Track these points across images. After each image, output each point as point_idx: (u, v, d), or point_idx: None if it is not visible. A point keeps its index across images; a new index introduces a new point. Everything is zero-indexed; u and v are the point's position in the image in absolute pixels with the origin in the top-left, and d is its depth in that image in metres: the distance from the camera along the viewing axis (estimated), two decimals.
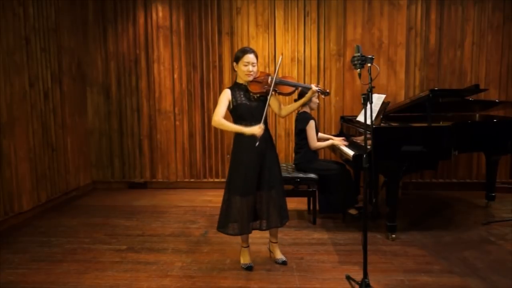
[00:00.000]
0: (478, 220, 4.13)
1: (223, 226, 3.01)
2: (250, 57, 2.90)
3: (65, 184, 5.05)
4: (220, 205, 4.77)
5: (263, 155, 2.95)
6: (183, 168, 5.63)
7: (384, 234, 3.70)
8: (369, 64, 2.61)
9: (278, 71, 2.97)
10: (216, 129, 5.51)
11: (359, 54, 2.61)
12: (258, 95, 2.95)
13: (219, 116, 2.88)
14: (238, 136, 2.95)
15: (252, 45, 5.32)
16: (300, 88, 3.37)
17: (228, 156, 5.53)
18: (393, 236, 3.61)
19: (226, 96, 2.93)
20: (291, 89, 3.01)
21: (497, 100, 4.43)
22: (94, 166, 5.69)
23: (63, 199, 5.00)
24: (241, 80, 2.98)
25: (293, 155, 4.40)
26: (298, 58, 5.36)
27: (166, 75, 5.51)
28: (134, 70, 5.53)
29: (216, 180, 5.60)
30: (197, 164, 5.62)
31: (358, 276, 2.74)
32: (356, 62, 2.62)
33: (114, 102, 5.59)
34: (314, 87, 3.03)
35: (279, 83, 2.98)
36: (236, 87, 2.99)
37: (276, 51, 5.33)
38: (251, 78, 2.93)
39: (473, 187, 5.25)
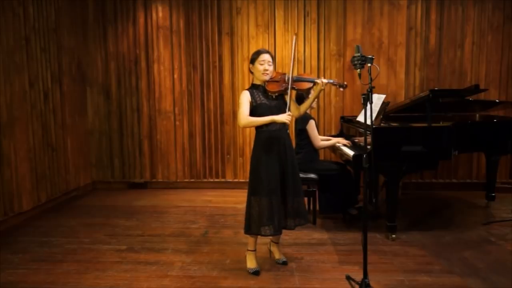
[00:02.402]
0: (478, 220, 4.13)
1: (249, 228, 2.97)
2: (265, 56, 2.94)
3: (65, 184, 5.05)
4: (220, 205, 4.78)
5: (284, 156, 2.95)
6: (183, 168, 5.63)
7: (384, 234, 3.70)
8: (369, 64, 2.61)
9: (293, 60, 2.96)
10: (216, 129, 5.52)
11: (359, 54, 2.61)
12: (276, 94, 2.97)
13: (245, 115, 2.90)
14: (258, 138, 2.97)
15: (252, 45, 5.33)
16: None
17: (228, 156, 5.57)
18: (393, 236, 3.61)
19: (246, 97, 2.94)
20: (308, 85, 3.00)
21: (497, 100, 4.44)
22: (94, 166, 5.69)
23: (63, 199, 5.00)
24: (258, 81, 3.00)
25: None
26: (298, 58, 5.35)
27: (166, 75, 5.51)
28: (134, 70, 5.53)
29: (216, 180, 5.60)
30: (197, 164, 5.62)
31: (358, 276, 2.74)
32: (356, 62, 2.62)
33: (114, 102, 5.59)
34: (323, 80, 2.94)
35: (296, 80, 2.99)
36: (254, 89, 3.00)
37: (276, 51, 5.33)
38: (267, 77, 2.95)
39: (473, 187, 5.25)
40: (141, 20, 5.45)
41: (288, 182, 2.96)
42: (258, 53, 2.97)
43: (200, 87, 5.50)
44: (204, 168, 5.62)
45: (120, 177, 5.70)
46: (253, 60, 2.98)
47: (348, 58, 4.91)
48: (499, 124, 4.03)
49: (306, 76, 3.06)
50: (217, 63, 5.45)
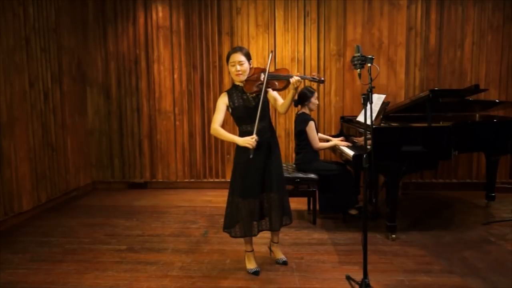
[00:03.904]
0: (478, 220, 4.13)
1: (227, 227, 2.98)
2: (235, 57, 2.83)
3: (65, 184, 5.05)
4: (220, 205, 4.78)
5: (267, 154, 2.90)
6: (183, 168, 5.63)
7: (384, 234, 3.70)
8: (369, 64, 2.61)
9: (268, 68, 2.81)
10: None
11: (359, 54, 2.61)
12: (254, 94, 2.88)
13: (217, 124, 2.88)
14: (240, 136, 2.92)
15: (252, 45, 5.34)
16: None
17: (228, 156, 5.57)
18: (393, 236, 3.61)
19: (223, 101, 2.90)
20: (284, 83, 2.80)
21: (497, 100, 4.43)
22: (94, 166, 5.69)
23: (63, 199, 5.00)
24: (236, 81, 2.94)
25: (293, 155, 4.40)
26: (298, 58, 5.36)
27: (166, 75, 5.51)
28: (134, 70, 5.53)
29: (216, 180, 5.60)
30: (197, 164, 5.62)
31: (358, 276, 2.74)
32: (356, 62, 2.62)
33: (114, 102, 5.59)
34: (294, 77, 2.74)
35: (271, 78, 2.81)
36: (234, 89, 2.94)
37: (276, 51, 5.33)
38: (241, 78, 2.85)
39: (473, 187, 5.25)
40: (141, 20, 5.45)
41: (272, 181, 2.91)
42: (228, 54, 2.88)
43: (200, 87, 5.51)
44: (204, 168, 5.62)
45: (120, 177, 5.70)
46: (226, 60, 2.91)
47: (348, 58, 4.91)
48: (499, 124, 4.02)
49: (282, 73, 2.83)
50: (217, 63, 5.45)
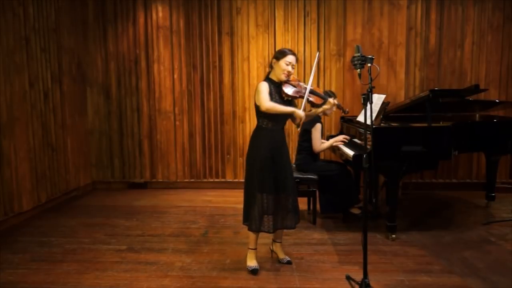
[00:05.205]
0: (478, 220, 4.13)
1: (246, 220, 3.02)
2: (292, 58, 2.96)
3: (65, 184, 5.05)
4: (220, 205, 4.78)
5: (281, 153, 2.98)
6: (183, 168, 5.63)
7: (384, 234, 3.70)
8: (369, 64, 2.61)
9: (314, 74, 3.19)
10: (216, 129, 5.52)
11: (359, 54, 2.61)
12: (290, 98, 2.99)
13: (268, 101, 2.88)
14: (258, 134, 2.99)
15: (252, 45, 5.34)
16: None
17: (228, 156, 5.57)
18: (393, 236, 3.61)
19: (266, 88, 2.93)
20: (321, 100, 3.09)
21: (497, 100, 4.43)
22: (94, 166, 5.69)
23: (63, 199, 5.00)
24: (275, 77, 2.99)
25: (294, 155, 4.40)
26: (298, 58, 5.34)
27: (166, 75, 5.51)
28: (134, 70, 5.53)
29: (216, 180, 5.60)
30: (197, 164, 5.62)
31: (358, 276, 2.74)
32: (356, 62, 2.62)
33: (114, 102, 5.59)
34: (333, 100, 3.10)
35: (312, 92, 3.07)
36: (270, 83, 2.98)
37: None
38: (285, 78, 2.96)
39: (473, 187, 5.25)
40: (141, 20, 5.45)
41: (286, 182, 2.98)
42: (285, 52, 2.96)
43: (200, 87, 5.50)
44: (204, 168, 5.62)
45: (120, 177, 5.70)
46: (278, 57, 2.97)
47: (348, 58, 4.91)
48: (499, 124, 4.03)
49: (319, 92, 3.17)
50: (217, 63, 5.45)
